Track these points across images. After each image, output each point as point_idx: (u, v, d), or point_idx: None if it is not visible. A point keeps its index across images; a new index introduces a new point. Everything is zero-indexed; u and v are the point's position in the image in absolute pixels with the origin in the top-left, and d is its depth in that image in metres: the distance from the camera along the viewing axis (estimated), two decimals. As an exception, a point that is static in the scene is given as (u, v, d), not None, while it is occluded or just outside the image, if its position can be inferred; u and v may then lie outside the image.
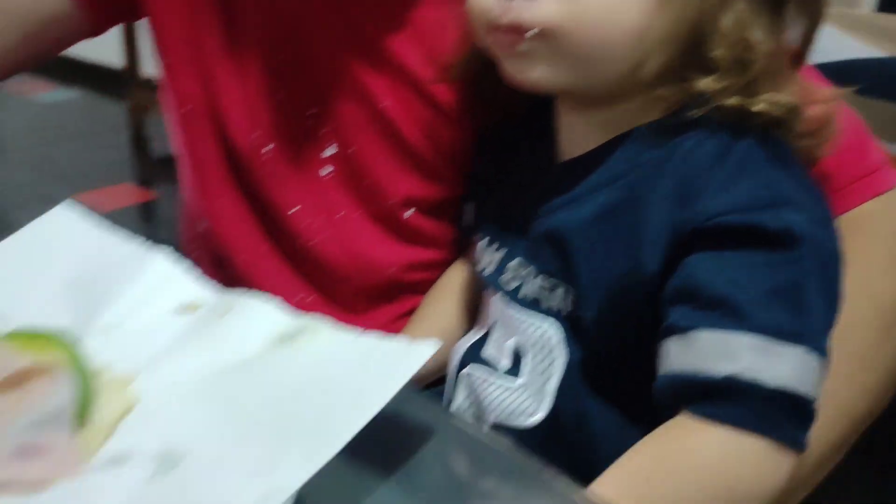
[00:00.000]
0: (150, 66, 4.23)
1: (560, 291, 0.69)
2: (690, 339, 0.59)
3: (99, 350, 0.50)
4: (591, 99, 0.67)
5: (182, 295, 0.54)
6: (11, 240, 0.56)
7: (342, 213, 0.87)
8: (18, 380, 0.45)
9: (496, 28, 0.63)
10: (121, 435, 0.46)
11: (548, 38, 0.61)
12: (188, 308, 0.54)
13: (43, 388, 0.45)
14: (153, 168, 3.96)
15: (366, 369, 0.47)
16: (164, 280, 0.55)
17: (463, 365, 0.79)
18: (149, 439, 0.46)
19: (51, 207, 0.58)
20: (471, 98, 0.80)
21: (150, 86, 4.15)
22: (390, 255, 0.89)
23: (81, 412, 0.46)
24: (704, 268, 0.59)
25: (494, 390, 0.75)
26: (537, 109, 0.76)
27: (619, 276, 0.64)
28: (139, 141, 4.16)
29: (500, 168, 0.80)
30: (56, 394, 0.44)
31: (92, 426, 0.46)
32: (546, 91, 0.67)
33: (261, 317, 0.52)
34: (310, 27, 0.81)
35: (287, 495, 0.39)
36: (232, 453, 0.44)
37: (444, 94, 0.81)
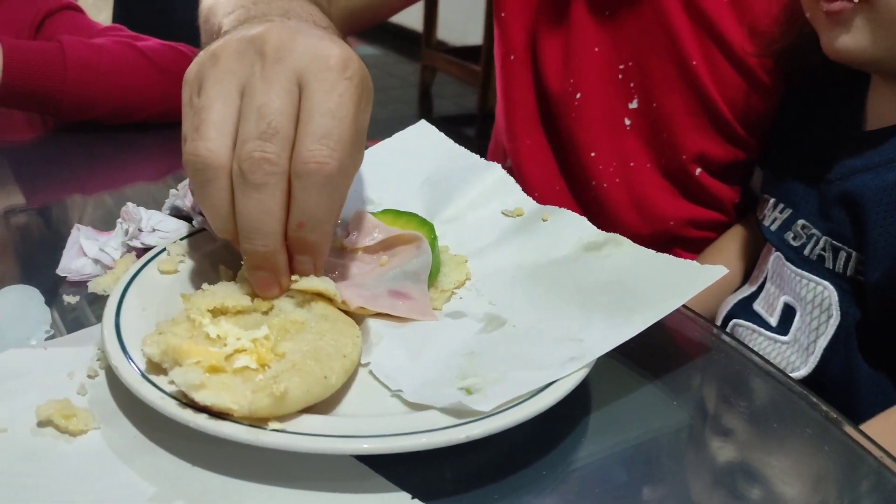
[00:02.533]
0: (444, 31, 4.55)
1: (844, 254, 0.72)
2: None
3: (441, 236, 0.63)
4: None
5: (510, 201, 0.66)
6: (382, 144, 0.71)
7: (634, 163, 0.95)
8: (390, 244, 0.59)
9: None
10: (457, 299, 0.59)
11: (869, 6, 0.64)
12: (514, 212, 0.65)
13: (409, 252, 0.58)
14: (434, 125, 4.29)
15: (661, 278, 0.55)
16: (498, 188, 0.66)
17: (730, 317, 0.84)
18: (478, 306, 0.57)
19: None
20: (783, 69, 0.84)
21: (441, 48, 4.47)
22: (674, 208, 0.96)
23: (432, 276, 0.58)
24: None
25: (761, 342, 0.79)
26: (845, 81, 0.78)
27: (912, 243, 0.65)
28: (425, 98, 4.51)
29: (797, 134, 0.83)
30: (418, 257, 0.57)
31: (437, 288, 0.59)
32: (862, 61, 0.70)
33: (573, 226, 0.62)
34: None
35: (590, 360, 0.48)
36: (545, 324, 0.54)
37: (757, 62, 0.85)
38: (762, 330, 0.80)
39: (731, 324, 0.84)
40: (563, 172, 1.00)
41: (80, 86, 0.88)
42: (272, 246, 0.48)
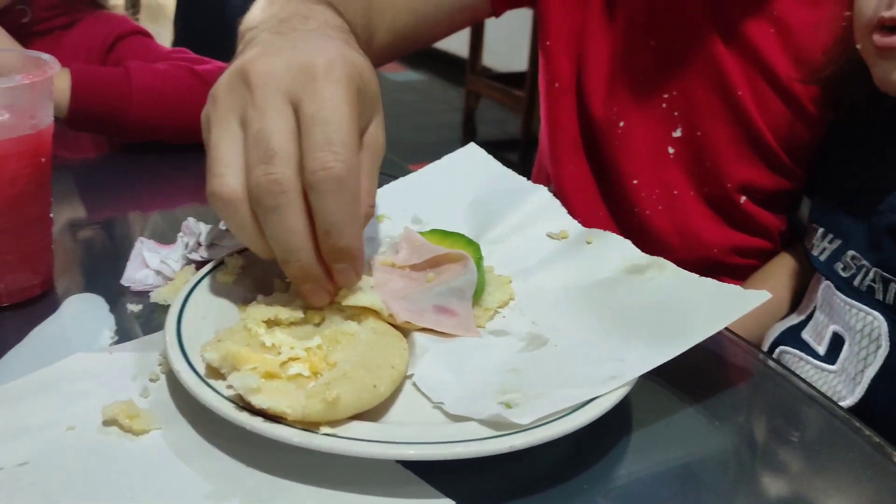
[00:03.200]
0: (489, 57, 4.60)
1: (894, 285, 0.72)
2: None
3: (486, 256, 0.65)
4: None
5: (556, 224, 0.67)
6: (431, 165, 0.73)
7: (677, 191, 0.96)
8: (436, 262, 0.61)
9: (876, 27, 0.67)
10: (500, 318, 0.60)
11: None
12: (559, 234, 0.66)
13: (455, 270, 0.60)
14: (478, 150, 4.32)
15: (704, 301, 0.56)
16: (543, 210, 0.68)
17: (776, 344, 0.84)
18: (521, 325, 0.59)
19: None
20: (831, 99, 0.84)
21: (486, 74, 4.52)
22: (717, 236, 0.96)
23: (476, 295, 0.60)
24: None
25: (808, 370, 0.79)
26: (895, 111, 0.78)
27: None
28: (469, 123, 4.55)
29: (845, 164, 0.84)
30: (464, 275, 0.59)
31: (481, 307, 0.60)
32: None
33: (617, 249, 0.63)
34: (681, 12, 0.90)
35: (630, 379, 0.49)
36: (586, 344, 0.55)
37: (803, 91, 0.85)
38: (809, 358, 0.80)
39: (777, 350, 0.84)
40: (605, 199, 1.01)
41: (144, 110, 0.92)
42: (305, 259, 0.49)
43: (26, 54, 0.63)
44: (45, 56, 0.61)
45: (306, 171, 0.47)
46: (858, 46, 0.72)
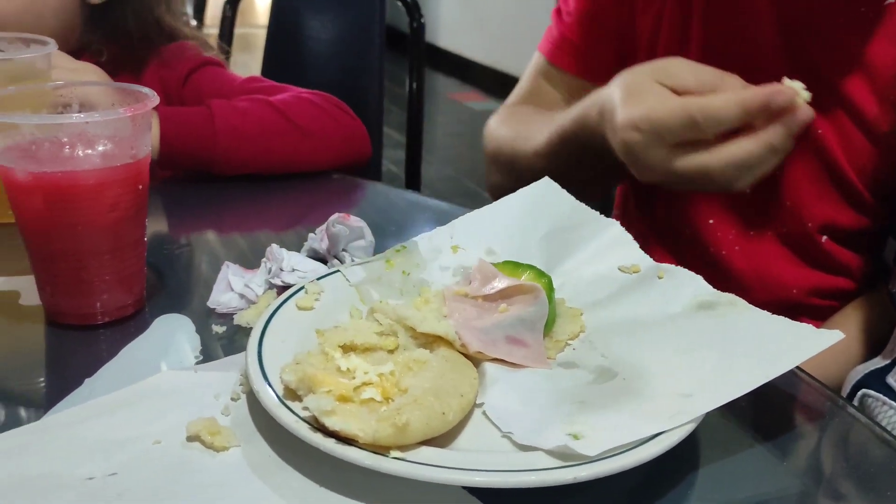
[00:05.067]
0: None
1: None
2: None
3: (558, 288, 0.65)
4: None
5: (627, 257, 0.67)
6: (506, 199, 0.75)
7: (754, 231, 0.94)
8: (508, 293, 0.62)
9: None
10: (570, 350, 0.61)
11: None
12: (630, 269, 0.67)
13: (526, 301, 0.61)
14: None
15: (775, 339, 0.56)
16: (615, 244, 0.68)
17: (858, 388, 0.82)
18: (591, 358, 0.59)
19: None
20: None
21: (567, 105, 4.51)
22: (797, 276, 0.94)
23: (547, 326, 0.61)
24: None
25: (892, 416, 0.76)
26: None
27: None
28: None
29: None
30: (535, 307, 0.60)
31: (552, 338, 0.61)
32: None
33: (688, 285, 0.63)
34: (757, 51, 0.89)
35: (695, 416, 0.49)
36: (655, 379, 0.55)
37: (888, 129, 0.83)
38: (893, 403, 0.77)
39: (859, 394, 0.81)
40: (681, 238, 1.00)
41: (230, 150, 0.96)
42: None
43: (126, 88, 0.67)
44: (145, 90, 0.65)
45: None
46: None
